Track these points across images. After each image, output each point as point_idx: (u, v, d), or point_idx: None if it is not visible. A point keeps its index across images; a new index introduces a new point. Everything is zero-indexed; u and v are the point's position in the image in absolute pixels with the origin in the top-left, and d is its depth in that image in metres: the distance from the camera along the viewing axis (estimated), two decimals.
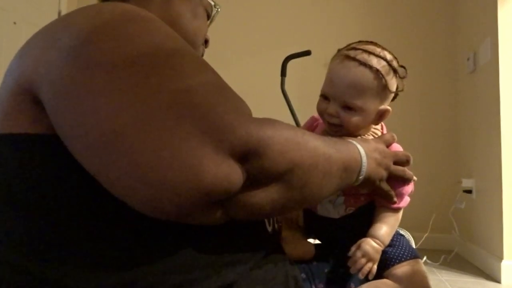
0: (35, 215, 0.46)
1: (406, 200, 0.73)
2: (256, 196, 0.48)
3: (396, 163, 0.70)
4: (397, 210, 0.73)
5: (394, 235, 0.75)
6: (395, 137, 0.74)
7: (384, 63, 0.71)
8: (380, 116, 0.74)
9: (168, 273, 0.47)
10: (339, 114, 0.71)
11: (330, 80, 0.73)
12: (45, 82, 0.45)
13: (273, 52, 2.64)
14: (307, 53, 2.06)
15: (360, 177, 0.62)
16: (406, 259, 0.71)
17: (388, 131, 0.78)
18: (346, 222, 0.75)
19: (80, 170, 0.45)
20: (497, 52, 2.00)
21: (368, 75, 0.69)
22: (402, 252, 0.72)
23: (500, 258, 1.94)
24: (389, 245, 0.73)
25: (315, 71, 2.42)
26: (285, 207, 0.52)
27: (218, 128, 0.43)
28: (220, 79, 0.50)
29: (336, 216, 0.75)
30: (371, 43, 0.74)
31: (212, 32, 0.77)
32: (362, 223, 0.73)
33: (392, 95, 0.74)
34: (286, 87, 2.17)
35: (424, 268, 0.73)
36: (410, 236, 1.97)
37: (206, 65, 0.50)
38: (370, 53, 0.71)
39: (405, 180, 0.71)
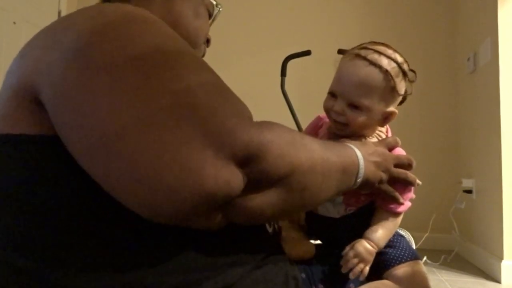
0: (34, 216, 0.46)
1: (407, 205, 0.73)
2: (256, 200, 0.47)
3: (397, 166, 0.70)
4: (396, 214, 0.72)
5: (394, 235, 0.75)
6: (399, 141, 0.74)
7: (394, 64, 0.70)
8: (386, 118, 0.74)
9: (168, 274, 0.47)
10: (345, 113, 0.71)
11: (338, 77, 0.72)
12: (46, 82, 0.45)
13: (273, 52, 2.64)
14: (307, 53, 2.06)
15: (358, 180, 0.63)
16: (406, 260, 0.71)
17: (393, 134, 0.78)
18: (346, 222, 0.75)
19: (80, 171, 0.45)
20: (497, 52, 2.00)
21: (377, 75, 0.69)
22: (402, 253, 0.72)
23: (500, 258, 1.94)
24: (389, 246, 0.73)
25: (315, 71, 2.42)
26: (285, 211, 0.53)
27: (219, 132, 0.43)
28: (220, 80, 0.50)
29: (337, 215, 0.75)
30: (383, 44, 0.74)
31: (212, 32, 0.77)
32: (363, 224, 0.73)
33: (400, 98, 0.74)
34: (286, 87, 2.17)
35: (424, 269, 0.73)
36: (410, 236, 1.97)
37: (206, 67, 0.50)
38: (381, 53, 0.71)
39: (408, 184, 0.71)
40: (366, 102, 0.70)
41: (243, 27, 2.96)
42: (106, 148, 0.42)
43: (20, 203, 0.47)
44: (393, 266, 0.71)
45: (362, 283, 0.70)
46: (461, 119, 2.59)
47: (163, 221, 0.44)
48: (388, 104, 0.72)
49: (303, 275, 0.72)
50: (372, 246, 0.69)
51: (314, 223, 0.78)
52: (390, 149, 0.72)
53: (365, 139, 0.74)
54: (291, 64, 2.16)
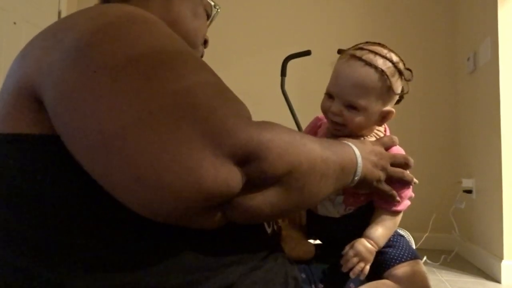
0: (34, 215, 0.46)
1: (406, 203, 0.73)
2: (255, 199, 0.48)
3: (394, 165, 0.71)
4: (395, 213, 0.73)
5: (394, 235, 0.75)
6: (396, 140, 0.74)
7: (389, 64, 0.71)
8: (383, 118, 0.74)
9: (168, 275, 0.47)
10: (342, 113, 0.71)
11: (335, 78, 0.73)
12: (47, 83, 0.45)
13: (273, 52, 2.64)
14: (307, 53, 2.06)
15: (356, 178, 0.63)
16: (406, 260, 0.71)
17: (391, 134, 0.78)
18: (346, 221, 0.75)
19: (80, 171, 0.45)
20: (497, 52, 2.00)
21: (373, 75, 0.70)
22: (402, 253, 0.72)
23: (500, 258, 1.95)
24: (389, 246, 0.73)
25: (315, 71, 2.42)
26: (284, 210, 0.53)
27: (218, 131, 0.43)
28: (220, 81, 0.50)
29: (336, 215, 0.75)
30: (378, 44, 0.74)
31: (212, 32, 0.77)
32: (363, 223, 0.73)
33: (397, 97, 0.74)
34: (286, 87, 2.17)
35: (424, 268, 0.73)
36: (410, 236, 1.97)
37: (206, 67, 0.50)
38: (376, 53, 0.71)
39: (405, 183, 0.71)
40: (363, 102, 0.70)
41: (243, 27, 2.96)
42: (106, 147, 0.42)
43: (21, 203, 0.47)
44: (393, 265, 0.71)
45: (362, 283, 0.70)
46: (461, 119, 2.59)
47: (162, 220, 0.44)
48: (385, 103, 0.73)
49: (303, 275, 0.72)
50: (372, 245, 0.69)
51: (314, 223, 0.79)
52: (387, 148, 0.73)
53: (363, 139, 0.75)
54: (291, 64, 2.16)
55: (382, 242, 0.71)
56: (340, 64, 0.73)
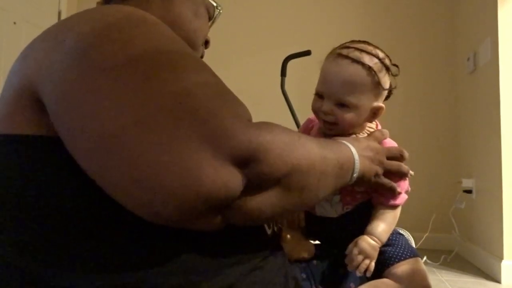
0: (34, 216, 0.46)
1: (403, 197, 0.73)
2: (255, 201, 0.47)
3: (390, 158, 0.71)
4: (394, 207, 0.73)
5: (393, 234, 0.75)
6: (386, 133, 0.75)
7: (376, 60, 0.72)
8: (374, 114, 0.75)
9: (167, 275, 0.47)
10: (333, 112, 0.72)
11: (323, 78, 0.74)
12: (47, 84, 0.45)
13: (273, 52, 2.64)
14: (307, 53, 2.06)
15: (354, 175, 0.63)
16: (405, 258, 0.71)
17: (382, 128, 0.79)
18: (344, 221, 0.75)
19: (80, 172, 0.45)
20: (497, 52, 2.00)
21: (360, 72, 0.70)
22: (401, 251, 0.72)
23: (500, 258, 1.95)
24: (389, 244, 0.73)
25: (315, 71, 2.41)
26: (285, 211, 0.53)
27: (218, 133, 0.43)
28: (220, 82, 0.50)
29: (334, 215, 0.75)
30: (364, 42, 0.75)
31: (212, 32, 0.77)
32: (361, 222, 0.73)
33: (386, 92, 0.75)
34: (286, 87, 2.18)
35: (424, 267, 0.73)
36: (410, 236, 1.97)
37: (206, 68, 0.50)
38: (362, 51, 0.72)
39: (402, 175, 0.72)
40: (353, 99, 0.71)
41: (243, 27, 2.96)
42: (105, 148, 0.42)
43: (20, 203, 0.47)
44: (393, 264, 0.71)
45: (362, 282, 0.70)
46: (461, 119, 2.59)
47: (161, 222, 0.44)
48: (374, 99, 0.74)
49: (303, 275, 0.72)
50: (375, 241, 0.69)
51: (312, 224, 0.79)
52: (379, 142, 0.73)
53: (356, 136, 0.75)
54: (291, 64, 2.16)
55: (384, 237, 0.71)
56: (328, 64, 0.74)
